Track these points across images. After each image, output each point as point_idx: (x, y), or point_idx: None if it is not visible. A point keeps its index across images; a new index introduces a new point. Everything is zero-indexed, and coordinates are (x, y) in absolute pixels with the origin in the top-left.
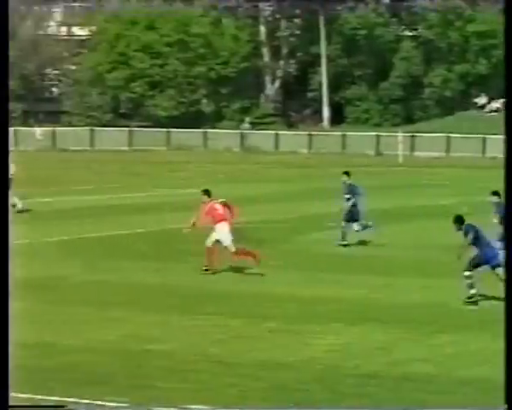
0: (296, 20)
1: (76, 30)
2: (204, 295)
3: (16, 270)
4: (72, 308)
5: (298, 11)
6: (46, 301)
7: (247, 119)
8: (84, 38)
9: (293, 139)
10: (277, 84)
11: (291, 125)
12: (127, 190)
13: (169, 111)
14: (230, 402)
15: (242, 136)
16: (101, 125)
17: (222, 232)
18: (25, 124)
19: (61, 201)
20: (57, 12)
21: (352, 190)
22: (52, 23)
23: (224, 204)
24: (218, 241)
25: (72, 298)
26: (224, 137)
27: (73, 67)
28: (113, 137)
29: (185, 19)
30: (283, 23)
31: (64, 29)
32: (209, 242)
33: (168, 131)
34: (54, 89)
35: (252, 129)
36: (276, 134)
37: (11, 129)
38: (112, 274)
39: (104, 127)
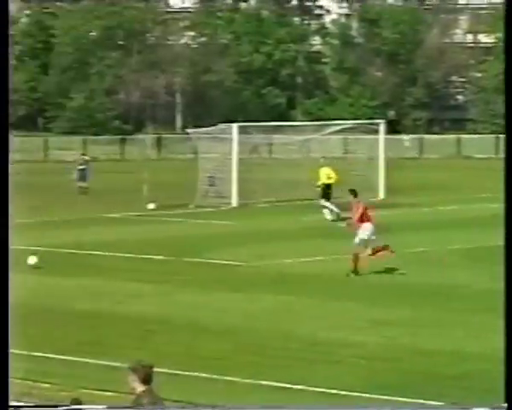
0: None
1: (482, 37)
2: None
3: (418, 278)
4: (474, 316)
5: None
6: (449, 309)
7: None
8: (489, 45)
9: None
10: None
11: None
12: None
13: None
14: None
15: None
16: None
17: (368, 232)
18: (430, 132)
19: (465, 209)
20: (463, 19)
21: None
22: (458, 30)
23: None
24: (362, 240)
25: (475, 306)
26: None
27: (479, 75)
28: None
29: None
30: None
31: (470, 36)
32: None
33: None
34: (459, 96)
35: None
36: None
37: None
38: None
39: None
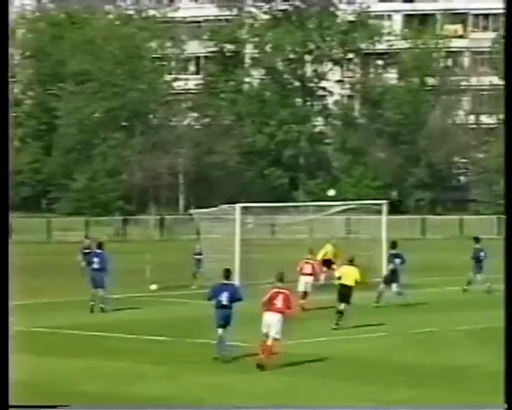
0: None
1: (484, 118)
2: None
3: (423, 358)
4: (484, 397)
5: None
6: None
7: None
8: (491, 125)
9: None
10: None
11: None
12: None
13: None
14: None
15: None
16: None
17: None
18: (432, 212)
19: (469, 289)
20: (465, 100)
21: (395, 258)
22: (460, 111)
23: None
24: None
25: (484, 387)
26: None
27: (481, 156)
28: None
29: None
30: None
31: (472, 117)
32: None
33: None
34: (462, 177)
35: None
36: None
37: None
38: None
39: None
